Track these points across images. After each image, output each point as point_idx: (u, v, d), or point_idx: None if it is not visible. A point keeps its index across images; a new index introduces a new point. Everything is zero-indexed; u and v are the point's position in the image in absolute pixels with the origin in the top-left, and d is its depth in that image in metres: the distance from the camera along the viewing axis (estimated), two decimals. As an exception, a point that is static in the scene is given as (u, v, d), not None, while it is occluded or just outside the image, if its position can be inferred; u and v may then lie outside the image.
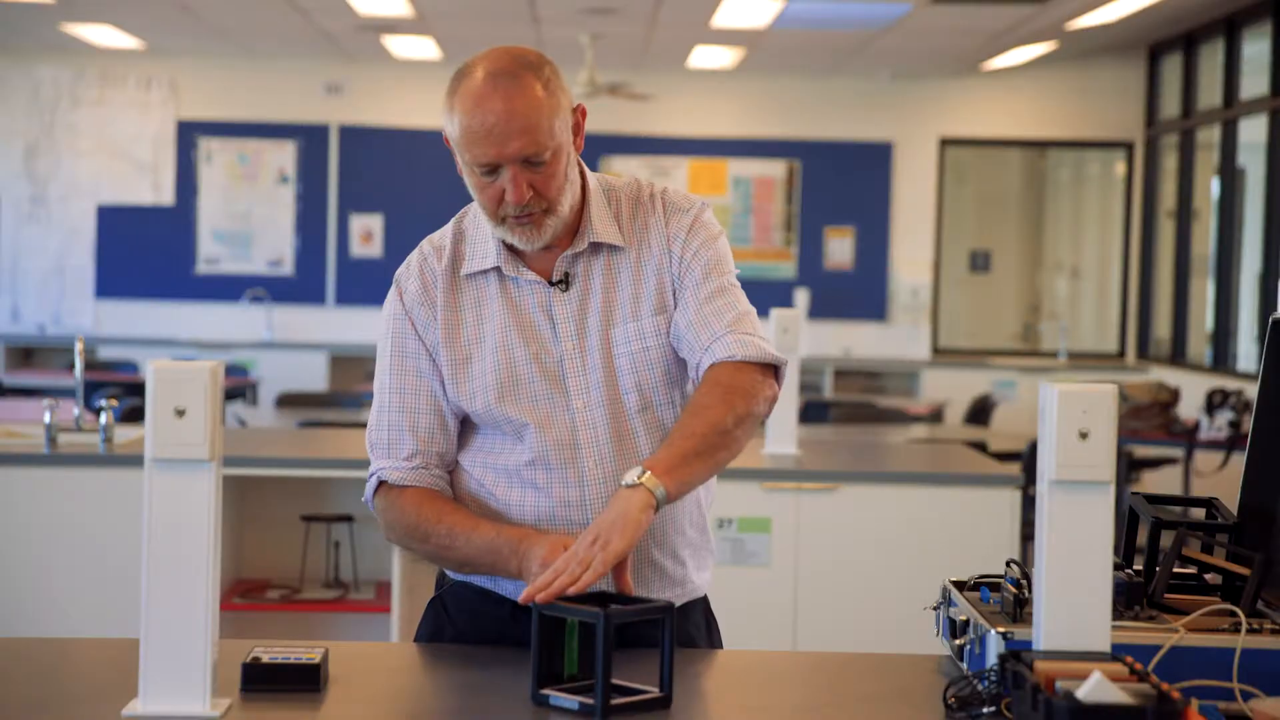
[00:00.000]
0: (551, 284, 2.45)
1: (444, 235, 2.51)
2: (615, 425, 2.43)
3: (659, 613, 2.11)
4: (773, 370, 2.42)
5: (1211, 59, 10.58)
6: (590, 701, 2.04)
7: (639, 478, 2.24)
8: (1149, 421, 7.79)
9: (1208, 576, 2.45)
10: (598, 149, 11.67)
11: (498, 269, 2.45)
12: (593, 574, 2.15)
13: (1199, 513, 2.55)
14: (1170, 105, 11.39)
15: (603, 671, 2.02)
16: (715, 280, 2.46)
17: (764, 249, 12.00)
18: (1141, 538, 2.50)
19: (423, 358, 2.46)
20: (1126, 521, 2.51)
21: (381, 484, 2.46)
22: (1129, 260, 12.02)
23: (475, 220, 2.49)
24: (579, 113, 2.40)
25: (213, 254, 11.95)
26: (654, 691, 2.09)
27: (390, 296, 2.50)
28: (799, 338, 5.35)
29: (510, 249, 2.44)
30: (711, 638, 2.60)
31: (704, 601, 2.61)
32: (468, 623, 2.49)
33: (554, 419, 2.42)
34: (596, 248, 2.46)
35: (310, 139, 11.92)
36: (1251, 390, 7.44)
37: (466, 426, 2.49)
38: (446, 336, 2.45)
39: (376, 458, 2.47)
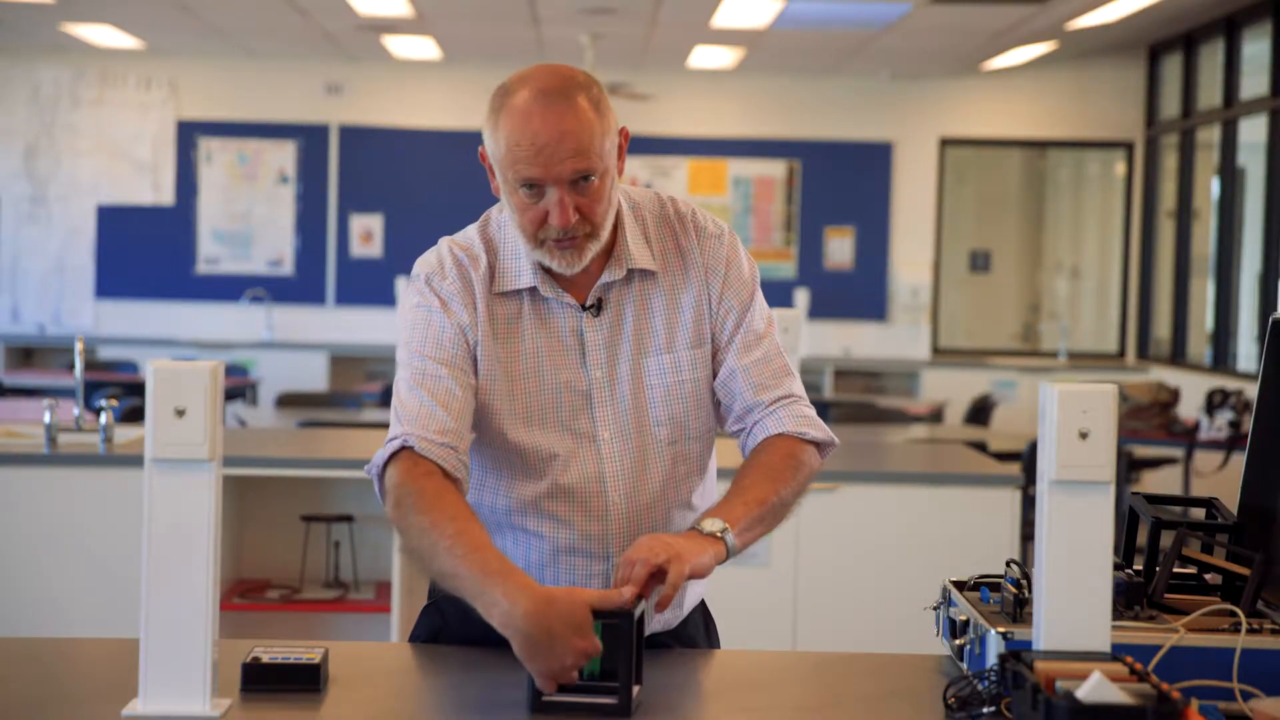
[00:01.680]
0: (584, 308, 2.38)
1: (472, 243, 2.40)
2: (640, 458, 2.38)
3: (614, 617, 2.07)
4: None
5: (1211, 59, 10.58)
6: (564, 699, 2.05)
7: (720, 532, 2.23)
8: (1149, 421, 7.80)
9: (1208, 576, 2.45)
10: (598, 149, 11.66)
11: (533, 289, 2.37)
12: (670, 586, 2.13)
13: (1199, 513, 2.55)
14: (1170, 105, 11.39)
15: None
16: (756, 332, 2.44)
17: (764, 249, 12.00)
18: (1141, 538, 2.50)
19: (460, 346, 2.33)
20: (1126, 521, 2.51)
21: (403, 449, 2.24)
22: (1129, 260, 12.02)
23: (502, 232, 2.40)
24: (622, 134, 2.34)
25: (213, 254, 11.95)
26: (612, 701, 2.06)
27: (417, 289, 2.37)
28: (799, 338, 5.35)
29: (545, 269, 2.35)
30: (710, 638, 2.60)
31: (701, 604, 2.60)
32: (466, 627, 2.48)
33: (580, 450, 2.37)
34: (630, 273, 2.40)
35: (310, 139, 11.92)
36: (1251, 390, 7.44)
37: (491, 455, 2.40)
38: (485, 350, 2.35)
39: (404, 424, 2.25)
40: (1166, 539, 2.42)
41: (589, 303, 2.38)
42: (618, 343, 2.39)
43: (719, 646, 2.60)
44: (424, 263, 2.40)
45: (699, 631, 2.57)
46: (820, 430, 2.43)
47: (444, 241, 2.43)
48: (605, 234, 2.32)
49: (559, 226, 2.26)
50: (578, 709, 2.05)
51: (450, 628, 2.49)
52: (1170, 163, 11.47)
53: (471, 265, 2.37)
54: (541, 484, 2.37)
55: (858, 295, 12.02)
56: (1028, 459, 6.75)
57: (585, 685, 2.07)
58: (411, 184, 11.84)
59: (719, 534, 2.23)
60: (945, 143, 12.12)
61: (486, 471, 2.42)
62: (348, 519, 5.28)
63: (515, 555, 2.41)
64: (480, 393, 2.35)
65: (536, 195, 2.25)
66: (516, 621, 2.03)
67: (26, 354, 11.70)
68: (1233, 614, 2.20)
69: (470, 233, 2.43)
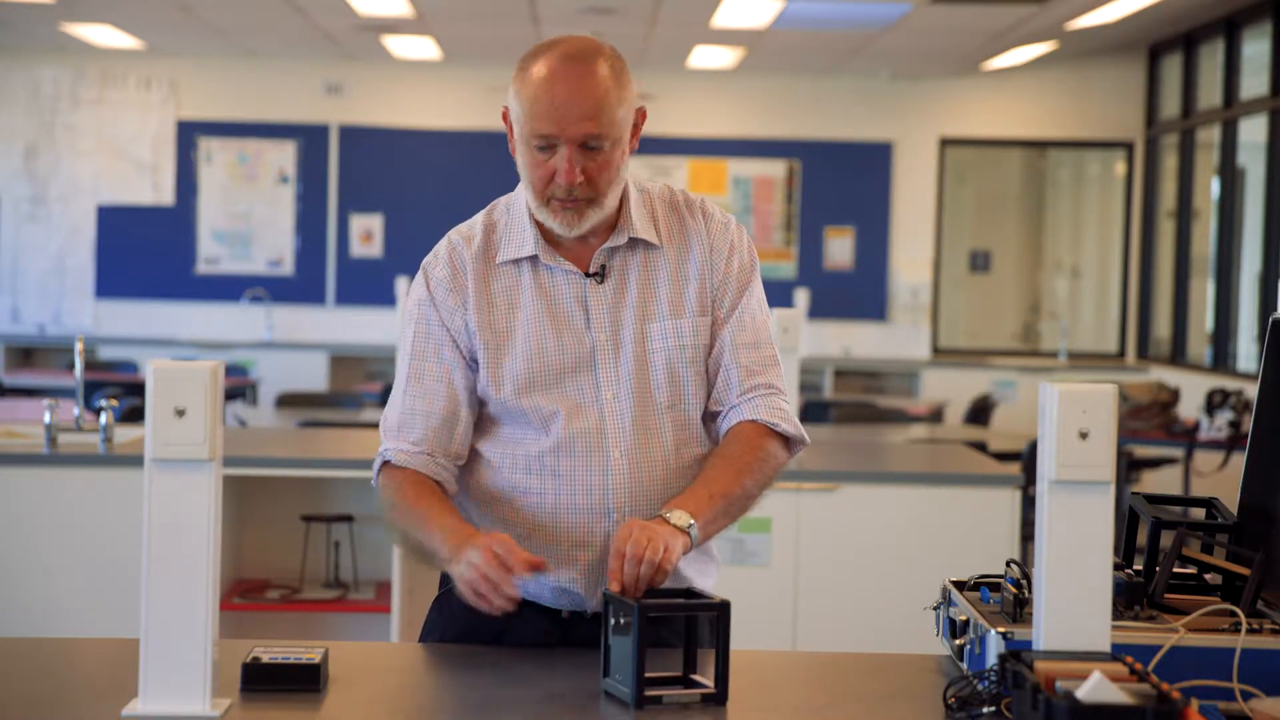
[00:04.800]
0: (587, 275, 2.46)
1: (473, 226, 2.53)
2: (642, 418, 2.45)
3: (709, 610, 2.18)
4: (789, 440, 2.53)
5: (1211, 59, 10.58)
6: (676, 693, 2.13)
7: (687, 527, 2.31)
8: (1149, 421, 7.80)
9: (1208, 576, 2.45)
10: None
11: (533, 257, 2.46)
12: (661, 574, 2.23)
13: (1199, 513, 2.55)
14: (1170, 105, 11.39)
15: (637, 662, 2.09)
16: (753, 315, 2.52)
17: (764, 249, 11.99)
18: (1141, 538, 2.50)
19: (445, 344, 2.47)
20: (1126, 521, 2.51)
21: (385, 464, 2.48)
22: (1129, 260, 12.02)
23: (508, 211, 2.51)
24: (640, 114, 2.45)
25: (213, 254, 11.95)
26: (710, 687, 2.14)
27: (416, 283, 2.52)
28: (799, 338, 5.35)
29: (547, 239, 2.46)
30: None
31: None
32: (472, 620, 2.50)
33: (582, 408, 2.44)
34: (634, 243, 2.48)
35: (310, 139, 11.92)
36: (1251, 390, 7.43)
37: (491, 414, 2.49)
38: (480, 322, 2.46)
39: (386, 439, 2.49)
40: (1166, 539, 2.42)
41: (592, 269, 2.47)
42: (621, 308, 2.47)
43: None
44: (429, 254, 2.56)
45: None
46: (792, 425, 2.50)
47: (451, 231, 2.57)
48: (608, 203, 2.42)
49: (564, 184, 2.37)
50: (678, 702, 2.11)
51: (457, 618, 2.53)
52: (1170, 163, 11.47)
53: (465, 245, 2.50)
54: (545, 440, 2.44)
55: (858, 295, 12.02)
56: (1028, 459, 6.74)
57: (679, 679, 2.17)
58: (411, 184, 11.84)
59: (685, 529, 2.30)
60: (945, 143, 12.12)
61: (492, 432, 2.50)
62: (348, 519, 5.28)
63: (519, 515, 2.47)
64: (481, 362, 2.46)
65: (548, 153, 2.37)
66: (449, 556, 2.30)
67: (26, 354, 11.69)
68: (1233, 614, 2.20)
69: (476, 218, 2.55)
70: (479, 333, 2.46)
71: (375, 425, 6.73)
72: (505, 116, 2.44)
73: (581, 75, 2.34)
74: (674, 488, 2.45)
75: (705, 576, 2.56)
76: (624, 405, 2.44)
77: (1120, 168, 12.15)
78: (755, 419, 2.47)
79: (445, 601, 2.57)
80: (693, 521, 2.31)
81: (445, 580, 2.59)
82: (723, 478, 2.40)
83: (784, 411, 2.50)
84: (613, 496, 2.43)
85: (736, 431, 2.47)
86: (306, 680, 2.14)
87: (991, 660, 2.11)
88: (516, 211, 2.49)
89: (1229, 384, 8.53)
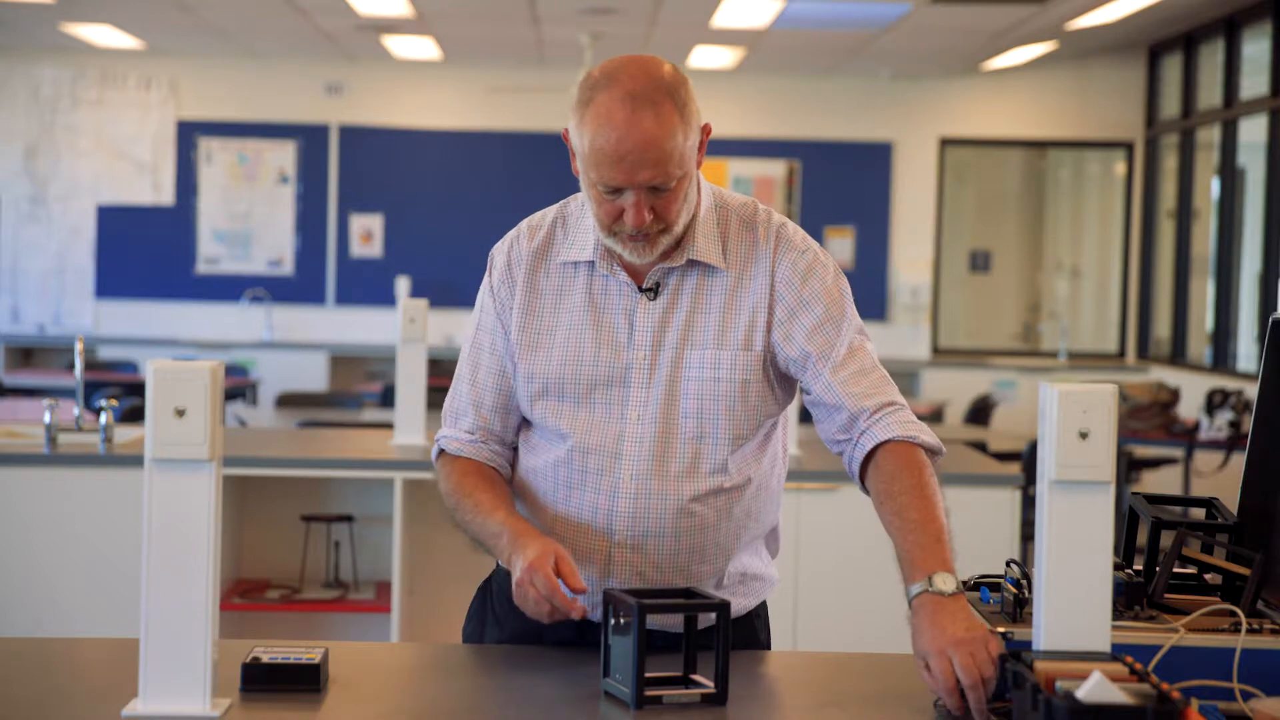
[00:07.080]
0: (640, 290, 2.41)
1: (544, 216, 2.50)
2: (661, 445, 2.39)
3: (709, 610, 2.17)
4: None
5: (1211, 59, 10.58)
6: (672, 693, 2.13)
7: (957, 589, 2.14)
8: (1149, 421, 7.80)
9: (1208, 576, 2.45)
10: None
11: (591, 263, 2.42)
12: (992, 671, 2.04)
13: (1199, 513, 2.55)
14: (1170, 105, 11.39)
15: (637, 662, 2.09)
16: (852, 338, 2.44)
17: (764, 249, 11.98)
18: (1141, 538, 2.50)
19: (498, 336, 2.46)
20: (1126, 521, 2.51)
21: (442, 451, 2.51)
22: (1129, 260, 12.02)
23: (583, 208, 2.45)
24: (705, 131, 2.35)
25: (213, 254, 11.95)
26: (710, 687, 2.14)
27: (488, 269, 2.52)
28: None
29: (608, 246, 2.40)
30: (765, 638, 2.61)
31: (763, 606, 2.61)
32: (507, 611, 2.51)
33: (605, 425, 2.39)
34: (693, 264, 2.41)
35: (310, 139, 11.92)
36: (1251, 390, 7.43)
37: (525, 419, 2.49)
38: (521, 319, 2.44)
39: (444, 425, 2.52)
40: (1166, 539, 2.42)
41: (646, 285, 2.41)
42: (666, 329, 2.40)
43: (769, 647, 2.60)
44: (499, 241, 2.55)
45: (755, 633, 2.58)
46: (930, 436, 2.39)
47: None
48: (680, 228, 2.36)
49: (633, 226, 2.30)
50: (678, 702, 2.12)
51: (494, 609, 2.55)
52: (1170, 163, 11.47)
53: (527, 238, 2.48)
54: (562, 453, 2.41)
55: (858, 295, 11.72)
56: (1028, 459, 6.74)
57: (680, 679, 2.17)
58: (411, 184, 11.84)
59: (952, 591, 2.15)
60: (945, 143, 12.12)
61: (527, 440, 2.49)
62: (348, 519, 5.28)
63: (539, 520, 2.45)
64: (522, 353, 2.44)
65: (614, 194, 2.30)
66: (515, 572, 2.27)
67: (26, 354, 11.69)
68: (1233, 614, 2.20)
69: (553, 207, 2.52)
70: (515, 331, 2.44)
71: (375, 425, 6.74)
72: (566, 137, 2.35)
73: (646, 120, 2.24)
74: (681, 521, 2.40)
75: (741, 596, 2.52)
76: (646, 429, 2.38)
77: (1120, 168, 12.15)
78: (892, 436, 2.36)
79: (488, 588, 2.59)
80: (958, 584, 2.15)
81: (496, 564, 2.59)
82: (933, 514, 2.25)
83: (917, 424, 2.39)
84: (617, 520, 2.39)
85: (888, 457, 2.35)
86: (306, 680, 2.14)
87: (991, 660, 2.11)
88: (587, 212, 2.42)
89: (1229, 384, 8.54)
